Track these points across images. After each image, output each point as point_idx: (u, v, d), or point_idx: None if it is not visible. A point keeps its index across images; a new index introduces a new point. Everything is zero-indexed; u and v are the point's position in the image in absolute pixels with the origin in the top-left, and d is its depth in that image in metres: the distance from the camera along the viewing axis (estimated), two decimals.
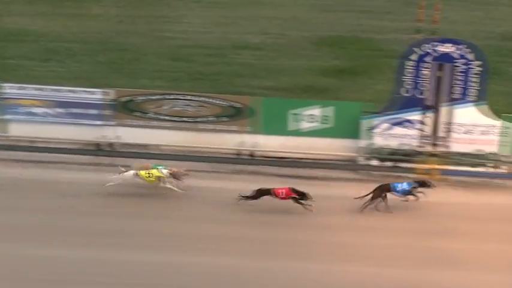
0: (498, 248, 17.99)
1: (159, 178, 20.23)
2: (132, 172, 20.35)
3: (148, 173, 20.26)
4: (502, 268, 17.07)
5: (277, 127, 22.70)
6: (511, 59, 32.55)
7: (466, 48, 21.43)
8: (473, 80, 21.52)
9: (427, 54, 21.50)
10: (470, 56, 21.42)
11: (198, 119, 22.96)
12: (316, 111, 22.60)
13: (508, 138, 21.83)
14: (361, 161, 22.29)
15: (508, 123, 21.79)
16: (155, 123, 22.98)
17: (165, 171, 20.27)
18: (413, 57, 21.56)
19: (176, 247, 17.87)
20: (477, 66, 21.44)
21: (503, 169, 21.94)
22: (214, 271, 16.94)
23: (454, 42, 21.55)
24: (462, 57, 21.44)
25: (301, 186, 20.58)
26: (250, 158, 22.73)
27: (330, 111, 22.52)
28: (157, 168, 20.39)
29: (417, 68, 21.57)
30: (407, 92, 21.78)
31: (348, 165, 22.35)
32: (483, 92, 21.65)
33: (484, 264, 17.27)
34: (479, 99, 21.66)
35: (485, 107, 21.74)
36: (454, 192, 20.92)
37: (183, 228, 18.78)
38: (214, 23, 38.55)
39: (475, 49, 21.53)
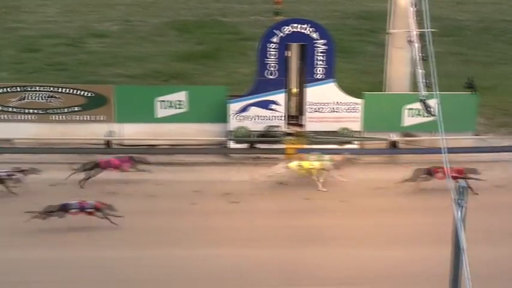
0: (364, 223, 18.41)
1: (309, 170, 20.07)
2: (281, 165, 20.26)
3: (299, 165, 20.11)
4: (369, 242, 17.51)
5: (141, 114, 22.40)
6: (362, 38, 33.63)
7: (311, 27, 21.85)
8: (322, 59, 21.96)
9: (281, 35, 21.77)
10: (315, 35, 21.86)
11: (56, 110, 22.36)
12: (179, 96, 22.45)
13: (359, 114, 22.44)
14: (228, 144, 22.35)
15: (359, 100, 22.38)
16: (5, 116, 22.26)
17: (315, 163, 20.11)
18: (272, 39, 21.79)
19: (43, 241, 17.32)
20: (323, 45, 21.90)
21: (356, 145, 22.53)
22: (85, 264, 16.55)
23: (301, 22, 21.90)
24: (310, 37, 21.84)
25: (168, 173, 20.49)
26: (113, 147, 22.29)
27: (192, 96, 22.42)
28: (319, 160, 20.21)
29: (274, 50, 21.82)
30: (267, 74, 22.02)
31: (215, 149, 22.35)
32: (333, 71, 22.15)
33: (352, 240, 17.67)
34: (329, 78, 22.15)
35: (336, 85, 22.26)
36: None
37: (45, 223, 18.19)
38: (70, 11, 37.67)
39: (319, 28, 21.94)
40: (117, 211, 17.80)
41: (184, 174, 20.89)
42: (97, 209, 17.77)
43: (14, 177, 19.42)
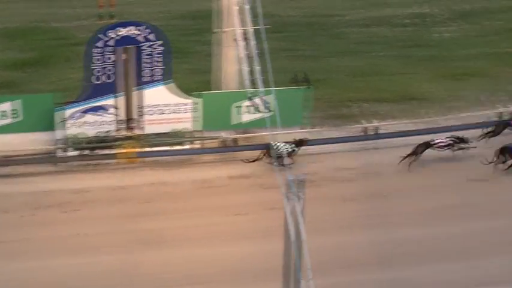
0: (197, 223, 18.57)
1: None
2: None
3: None
4: (204, 241, 17.73)
5: None
6: (191, 38, 33.69)
7: (146, 29, 21.71)
8: (158, 60, 21.91)
9: (111, 39, 21.47)
10: (151, 37, 21.74)
11: None
12: (5, 106, 21.68)
13: (198, 114, 22.54)
14: (59, 153, 21.80)
15: (196, 99, 22.51)
16: None
17: None
18: (99, 43, 21.41)
19: None
20: (159, 46, 21.83)
21: (197, 144, 22.63)
22: None
23: (134, 24, 21.71)
24: (144, 38, 21.68)
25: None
26: None
27: (19, 105, 21.72)
28: None
29: (104, 54, 21.48)
30: (97, 79, 21.64)
31: (45, 158, 21.72)
32: (169, 72, 22.13)
33: (188, 240, 17.84)
34: (166, 79, 22.13)
35: (173, 86, 22.28)
36: (152, 173, 21.25)
37: None
38: None
39: (155, 29, 21.88)
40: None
41: (15, 186, 20.18)
42: None
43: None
